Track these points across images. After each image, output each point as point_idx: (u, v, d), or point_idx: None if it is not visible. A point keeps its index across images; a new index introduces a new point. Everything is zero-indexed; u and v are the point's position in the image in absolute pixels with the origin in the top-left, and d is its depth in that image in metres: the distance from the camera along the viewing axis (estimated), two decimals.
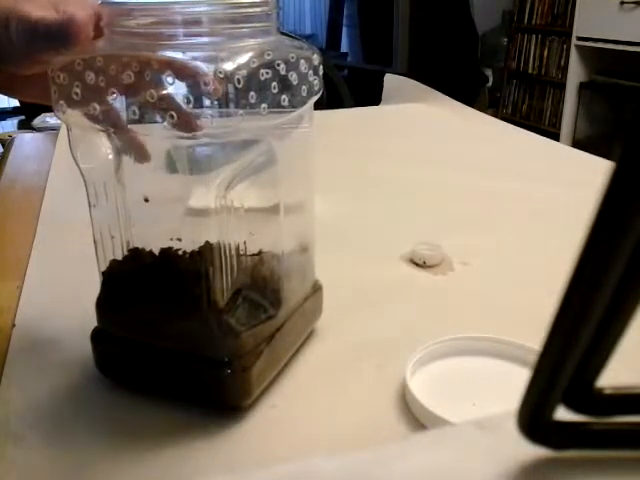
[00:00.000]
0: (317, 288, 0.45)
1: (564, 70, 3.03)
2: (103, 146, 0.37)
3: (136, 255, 0.39)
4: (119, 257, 0.40)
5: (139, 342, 0.39)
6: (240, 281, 0.37)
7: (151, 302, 0.38)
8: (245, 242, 0.37)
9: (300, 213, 0.42)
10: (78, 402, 0.40)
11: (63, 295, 0.53)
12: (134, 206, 0.39)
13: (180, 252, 0.38)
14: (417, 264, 0.57)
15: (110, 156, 0.37)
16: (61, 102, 0.35)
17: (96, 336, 0.40)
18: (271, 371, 0.39)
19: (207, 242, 0.36)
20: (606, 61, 2.83)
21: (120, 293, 0.40)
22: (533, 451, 0.21)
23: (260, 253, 0.40)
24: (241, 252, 0.37)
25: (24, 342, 0.46)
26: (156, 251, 0.39)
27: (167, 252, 0.38)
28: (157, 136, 0.35)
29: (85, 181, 0.38)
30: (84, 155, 0.37)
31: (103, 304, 0.40)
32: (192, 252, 0.37)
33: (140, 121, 0.33)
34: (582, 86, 2.95)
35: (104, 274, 0.40)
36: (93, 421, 0.38)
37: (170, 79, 0.31)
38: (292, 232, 0.41)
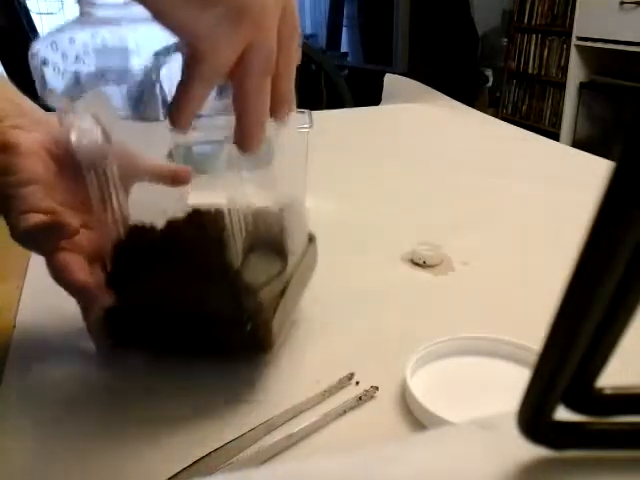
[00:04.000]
0: (312, 239, 0.46)
1: (564, 70, 3.03)
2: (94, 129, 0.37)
3: (140, 230, 0.39)
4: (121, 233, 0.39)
5: (158, 312, 0.39)
6: (249, 242, 0.38)
7: (168, 273, 0.38)
8: (248, 203, 0.38)
9: (292, 169, 0.43)
10: (78, 402, 0.40)
11: (63, 295, 0.53)
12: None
13: (184, 222, 0.38)
14: (417, 264, 0.57)
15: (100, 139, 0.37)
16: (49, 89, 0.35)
17: (111, 314, 0.39)
18: (285, 322, 0.41)
19: (215, 208, 0.37)
20: (606, 61, 2.83)
21: (134, 267, 0.39)
22: (533, 451, 0.21)
23: (260, 213, 0.40)
24: (246, 214, 0.38)
25: (24, 342, 0.46)
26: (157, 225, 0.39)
27: (174, 224, 0.38)
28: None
29: (82, 164, 0.38)
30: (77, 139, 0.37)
31: (117, 280, 0.39)
32: (199, 218, 0.38)
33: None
34: (582, 86, 2.95)
35: (115, 250, 0.39)
36: (93, 421, 0.38)
37: None
38: (286, 188, 0.41)
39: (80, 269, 0.37)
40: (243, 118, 0.32)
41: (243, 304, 0.37)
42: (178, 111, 0.31)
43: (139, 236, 0.39)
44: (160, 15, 0.29)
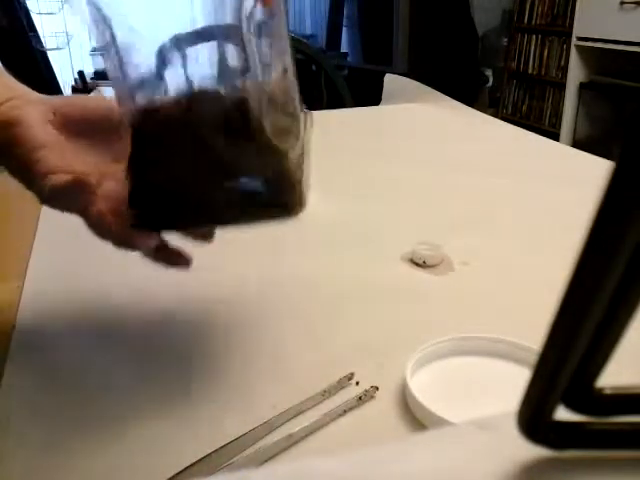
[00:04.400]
0: (301, 102, 0.44)
1: (564, 70, 3.03)
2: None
3: (158, 106, 0.37)
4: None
5: (187, 188, 0.38)
6: (268, 106, 0.38)
7: (200, 140, 0.37)
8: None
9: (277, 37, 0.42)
10: (78, 402, 0.40)
11: (63, 295, 0.53)
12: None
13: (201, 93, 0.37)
14: (417, 264, 0.57)
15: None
16: None
17: (137, 197, 0.38)
18: (307, 179, 0.41)
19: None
20: (606, 61, 2.83)
21: (156, 140, 0.38)
22: (533, 451, 0.21)
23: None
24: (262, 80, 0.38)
25: (24, 342, 0.46)
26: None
27: (194, 95, 0.36)
28: None
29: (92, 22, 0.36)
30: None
31: (139, 158, 0.37)
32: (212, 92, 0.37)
33: None
34: (582, 86, 2.95)
35: (133, 131, 0.37)
36: (93, 421, 0.38)
37: None
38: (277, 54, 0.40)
39: (116, 220, 0.37)
40: None
41: (274, 163, 0.37)
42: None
43: (158, 110, 0.37)
44: None
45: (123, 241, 0.38)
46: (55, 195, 0.37)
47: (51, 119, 0.39)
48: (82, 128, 0.40)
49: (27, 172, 0.37)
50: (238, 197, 0.38)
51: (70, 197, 0.37)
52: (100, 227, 0.38)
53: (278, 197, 0.39)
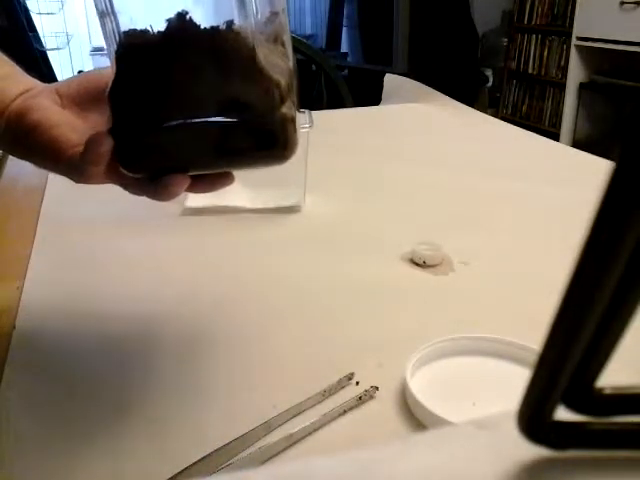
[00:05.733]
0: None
1: (564, 70, 3.03)
2: None
3: (139, 34, 0.35)
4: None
5: (182, 122, 0.36)
6: (259, 40, 0.37)
7: (184, 67, 0.36)
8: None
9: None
10: (78, 402, 0.40)
11: (63, 295, 0.53)
12: None
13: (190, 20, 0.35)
14: (417, 264, 0.57)
15: None
16: None
17: (122, 130, 0.37)
18: (298, 127, 0.39)
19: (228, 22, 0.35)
20: (606, 61, 2.83)
21: (145, 69, 0.36)
22: (533, 451, 0.21)
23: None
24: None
25: (24, 343, 0.46)
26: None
27: (180, 21, 0.35)
28: None
29: None
30: None
31: (123, 89, 0.36)
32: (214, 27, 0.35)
33: None
34: (582, 86, 2.95)
35: (121, 51, 0.36)
36: (93, 421, 0.38)
37: None
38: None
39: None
40: None
41: (272, 92, 0.36)
42: None
43: (141, 36, 0.35)
44: None
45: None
46: (87, 170, 0.38)
47: (58, 102, 0.41)
48: (87, 100, 0.42)
49: (51, 151, 0.38)
50: (227, 130, 0.37)
51: (99, 164, 0.37)
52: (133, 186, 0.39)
53: (268, 130, 0.37)
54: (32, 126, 0.39)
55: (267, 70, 0.36)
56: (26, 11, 2.82)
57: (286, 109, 0.37)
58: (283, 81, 0.37)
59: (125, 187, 0.40)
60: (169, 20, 0.35)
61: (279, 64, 0.38)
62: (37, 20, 3.02)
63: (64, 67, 3.39)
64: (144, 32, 0.35)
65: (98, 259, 0.58)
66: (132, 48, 0.36)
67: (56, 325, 0.48)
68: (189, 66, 0.35)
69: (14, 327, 0.47)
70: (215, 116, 0.36)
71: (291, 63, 0.40)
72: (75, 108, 0.42)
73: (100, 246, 0.61)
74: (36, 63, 2.74)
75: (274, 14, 0.39)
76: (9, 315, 0.49)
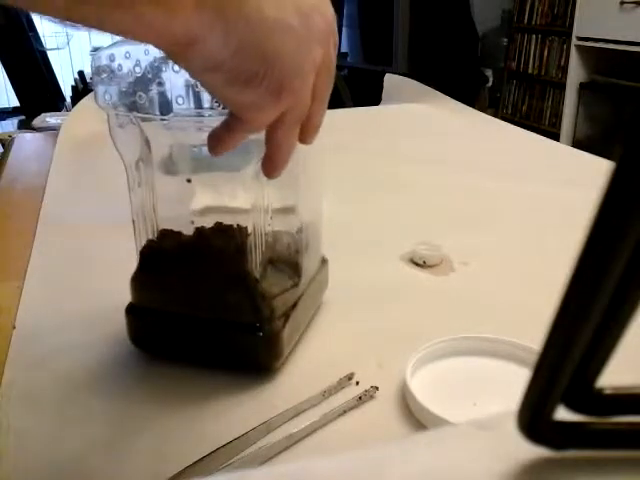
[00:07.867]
0: (324, 261, 0.49)
1: (564, 70, 3.03)
2: (138, 134, 0.39)
3: (169, 235, 0.42)
4: (151, 237, 0.42)
5: (175, 314, 0.42)
6: (268, 255, 0.41)
7: (190, 276, 0.41)
8: (270, 220, 0.41)
9: (310, 194, 0.45)
10: (78, 402, 0.40)
11: (63, 295, 0.53)
12: (160, 191, 0.41)
13: (212, 230, 0.41)
14: (417, 264, 0.57)
15: (142, 144, 0.40)
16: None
17: (132, 310, 0.42)
18: (295, 336, 0.43)
19: (238, 224, 0.40)
20: (606, 61, 2.83)
21: (159, 268, 0.42)
22: (533, 451, 0.21)
23: (279, 233, 0.43)
24: (266, 231, 0.41)
25: (24, 342, 0.46)
26: (185, 232, 0.41)
27: (202, 231, 0.41)
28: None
29: (125, 166, 0.41)
30: (123, 142, 0.40)
31: (140, 280, 0.42)
32: (225, 230, 0.41)
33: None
34: (582, 86, 2.95)
35: (142, 252, 0.42)
36: (93, 421, 0.38)
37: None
38: (304, 211, 0.44)
39: None
40: (272, 154, 0.34)
41: (259, 309, 0.40)
42: (216, 142, 0.34)
43: (168, 238, 0.42)
44: (207, 89, 0.31)
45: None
46: None
47: None
48: None
49: None
50: (209, 333, 0.41)
51: None
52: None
53: (253, 341, 0.40)
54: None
55: (260, 288, 0.40)
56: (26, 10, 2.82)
57: (276, 324, 0.40)
58: (284, 302, 0.41)
59: None
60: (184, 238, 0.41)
61: (286, 280, 0.42)
62: (37, 20, 3.02)
63: (64, 67, 3.39)
64: (166, 235, 0.42)
65: (98, 259, 0.58)
66: (161, 247, 0.42)
67: (56, 325, 0.48)
68: (191, 273, 0.41)
69: (14, 327, 0.47)
70: (209, 316, 0.41)
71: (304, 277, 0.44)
72: None
73: (100, 246, 0.61)
74: (36, 63, 2.74)
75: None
76: (9, 315, 0.49)
